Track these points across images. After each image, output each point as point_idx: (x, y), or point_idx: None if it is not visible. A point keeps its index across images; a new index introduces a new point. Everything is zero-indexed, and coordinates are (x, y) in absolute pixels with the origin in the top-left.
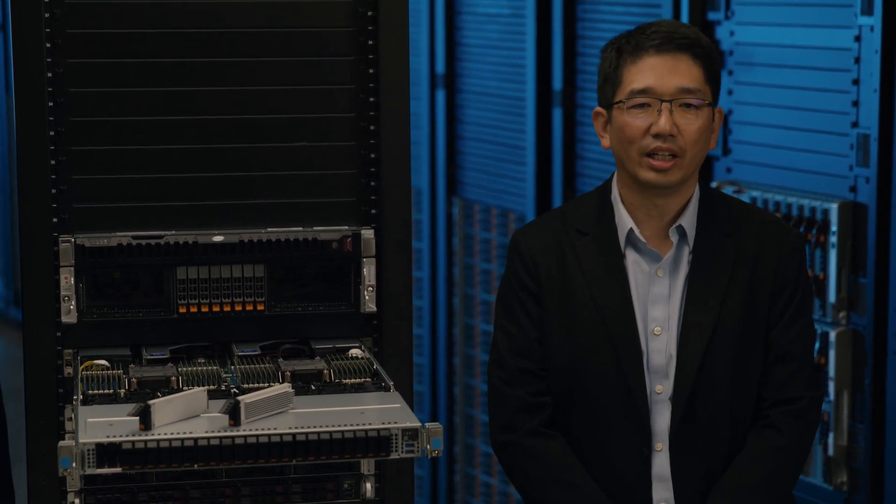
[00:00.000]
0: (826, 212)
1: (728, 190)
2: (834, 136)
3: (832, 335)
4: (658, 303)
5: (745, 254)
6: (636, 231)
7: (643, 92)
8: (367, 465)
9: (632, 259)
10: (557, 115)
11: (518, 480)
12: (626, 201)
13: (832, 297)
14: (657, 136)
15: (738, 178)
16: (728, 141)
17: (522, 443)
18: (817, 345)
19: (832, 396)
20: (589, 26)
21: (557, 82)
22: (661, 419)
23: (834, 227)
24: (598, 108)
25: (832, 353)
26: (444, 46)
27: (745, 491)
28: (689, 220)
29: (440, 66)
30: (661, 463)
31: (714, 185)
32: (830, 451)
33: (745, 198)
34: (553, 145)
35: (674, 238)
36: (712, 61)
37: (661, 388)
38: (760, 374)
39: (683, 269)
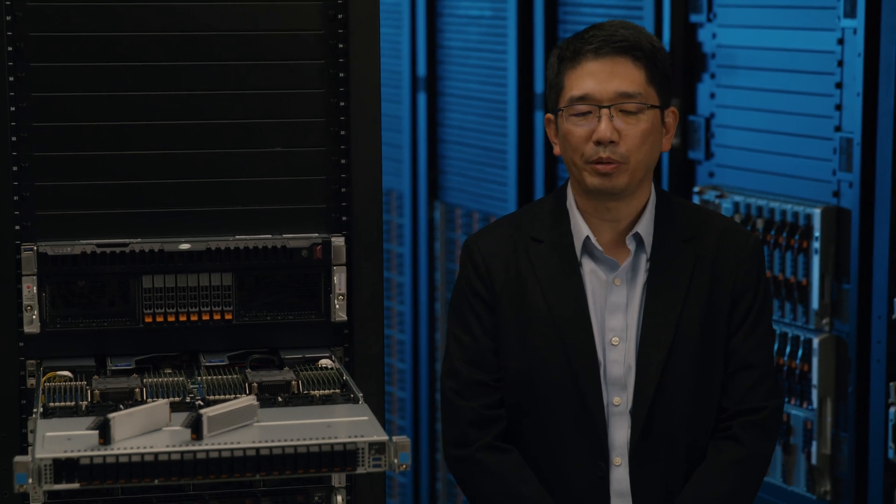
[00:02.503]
0: (809, 217)
1: (710, 195)
2: (817, 141)
3: (815, 342)
4: (616, 312)
5: (704, 260)
6: (593, 239)
7: (582, 99)
8: (337, 478)
9: (588, 268)
10: (539, 118)
11: (472, 495)
12: (580, 208)
13: (815, 303)
14: (598, 143)
15: (720, 183)
16: (710, 145)
17: (476, 457)
18: (800, 352)
19: (815, 404)
20: (571, 29)
21: (539, 85)
22: (619, 433)
23: (817, 233)
24: (549, 115)
25: (815, 361)
26: (425, 49)
27: None
28: (645, 227)
29: (421, 69)
30: (619, 478)
31: (696, 189)
32: (814, 460)
33: (727, 202)
34: (535, 149)
35: (631, 246)
36: (655, 62)
37: (618, 400)
38: (721, 383)
39: (641, 278)
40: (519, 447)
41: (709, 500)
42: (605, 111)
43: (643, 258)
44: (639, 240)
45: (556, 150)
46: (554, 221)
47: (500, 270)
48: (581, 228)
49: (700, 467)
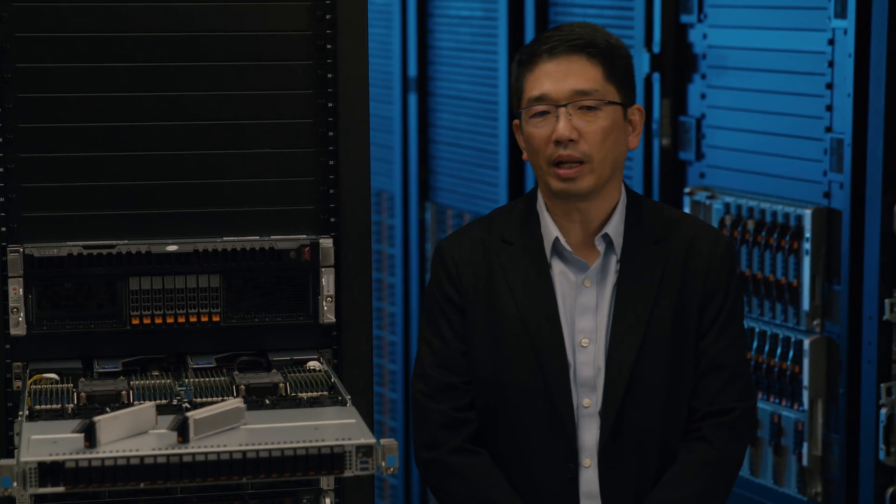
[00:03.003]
0: (800, 218)
1: (701, 196)
2: (807, 141)
3: (806, 343)
4: (585, 314)
5: (675, 261)
6: (562, 240)
7: (539, 99)
8: (326, 480)
9: (558, 269)
10: None
11: (441, 499)
12: (550, 210)
13: (806, 304)
14: (558, 142)
15: (710, 184)
16: (701, 146)
17: (446, 460)
18: (791, 353)
19: (806, 406)
20: None
21: None
22: (589, 434)
23: (807, 234)
24: (515, 121)
25: (806, 362)
26: (416, 49)
27: None
28: (615, 228)
29: (412, 70)
30: (589, 479)
31: (687, 190)
32: (804, 462)
33: (718, 203)
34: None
35: (600, 247)
36: (612, 58)
37: (588, 402)
38: (691, 385)
39: (611, 279)
40: (489, 449)
41: (679, 502)
42: (562, 110)
43: (613, 259)
44: (608, 241)
45: (525, 155)
46: (524, 224)
47: (470, 274)
48: (550, 230)
49: (670, 468)
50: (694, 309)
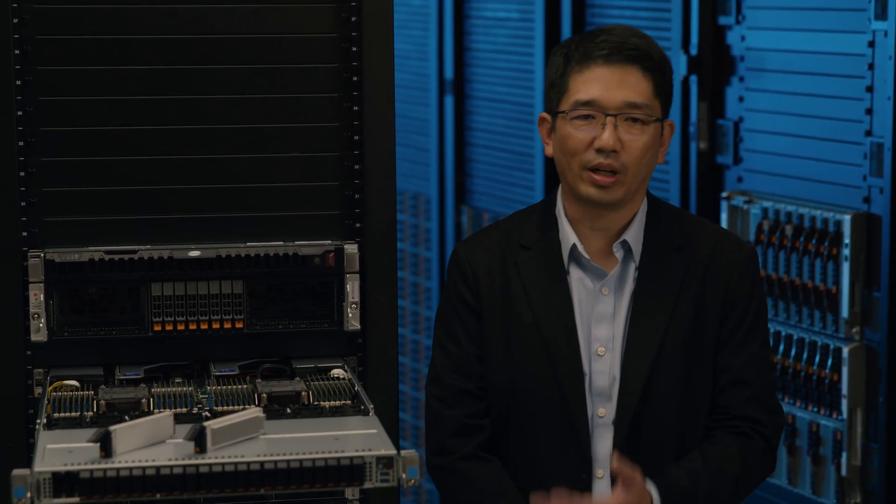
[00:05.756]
0: (839, 223)
1: (738, 200)
2: (847, 145)
3: (845, 351)
4: (602, 322)
5: (694, 269)
6: (580, 247)
7: (588, 104)
8: (350, 490)
9: (576, 276)
10: None
11: None
12: (569, 215)
13: (845, 311)
14: (600, 150)
15: (748, 188)
16: (739, 150)
17: (457, 466)
18: (829, 361)
19: (845, 415)
20: None
21: None
22: (603, 444)
23: (847, 240)
24: (543, 114)
25: (845, 370)
26: (452, 51)
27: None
28: (634, 236)
29: (449, 72)
30: (602, 490)
31: (724, 194)
32: (843, 472)
33: (756, 208)
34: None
35: (618, 254)
36: (663, 74)
37: (603, 412)
38: (709, 398)
39: (629, 287)
40: (501, 457)
41: (717, 462)
42: (609, 119)
43: (632, 267)
44: (627, 248)
45: (548, 150)
46: (542, 228)
47: (486, 278)
48: (568, 236)
49: (702, 446)
50: (714, 319)
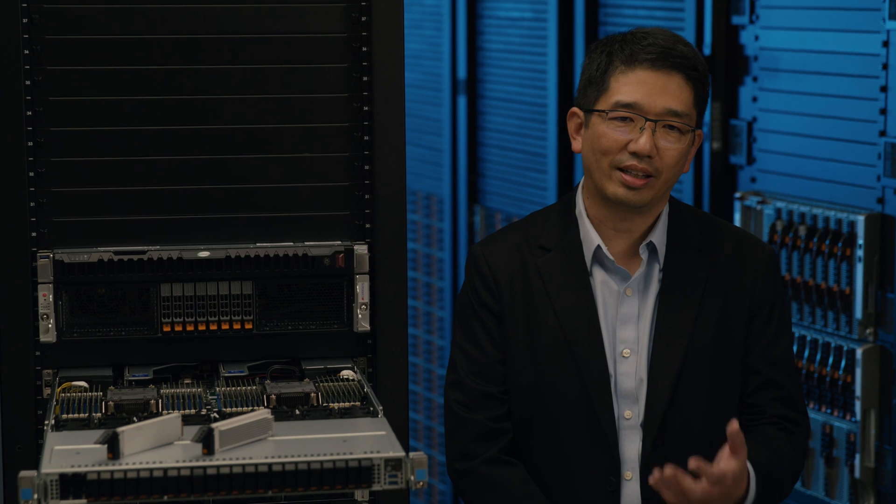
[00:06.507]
0: (852, 224)
1: (752, 201)
2: (861, 145)
3: (858, 352)
4: (627, 323)
5: (718, 269)
6: (604, 248)
7: (629, 106)
8: (360, 492)
9: (599, 277)
10: None
11: None
12: (591, 216)
13: (858, 312)
14: (634, 154)
15: (762, 189)
16: (752, 150)
17: (480, 471)
18: (843, 362)
19: (858, 416)
20: (612, 30)
21: None
22: (631, 446)
23: (860, 240)
24: (575, 109)
25: (858, 371)
26: (465, 51)
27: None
28: (659, 237)
29: (462, 72)
30: (630, 493)
31: (738, 195)
32: (857, 473)
33: (769, 209)
34: (575, 153)
35: (644, 255)
36: (703, 85)
37: (629, 414)
38: (737, 398)
39: (654, 288)
40: (524, 461)
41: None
42: (649, 124)
43: (656, 268)
44: (652, 249)
45: (576, 146)
46: (562, 229)
47: (507, 280)
48: (591, 237)
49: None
50: (741, 319)
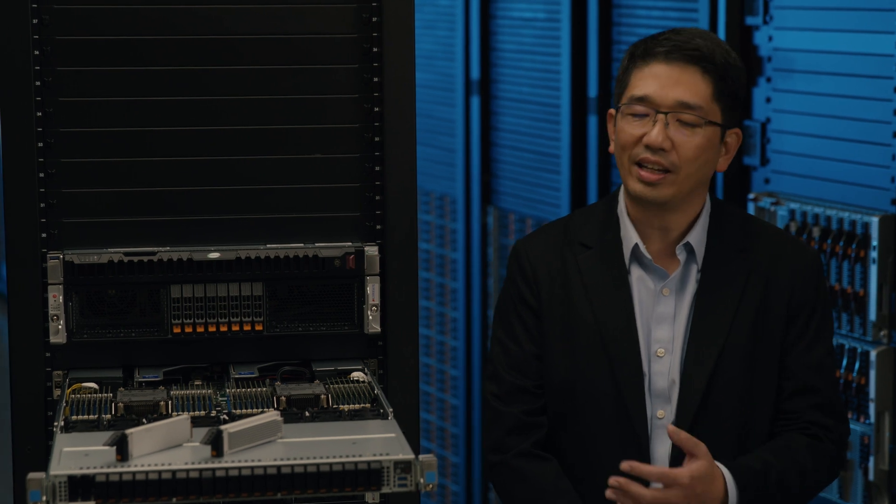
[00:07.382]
0: (866, 225)
1: (765, 202)
2: (875, 147)
3: (872, 354)
4: (663, 323)
5: (758, 272)
6: (641, 247)
7: (641, 99)
8: (371, 494)
9: (637, 276)
10: (593, 122)
11: (508, 501)
12: (630, 214)
13: (872, 314)
14: (648, 147)
15: (775, 190)
16: (766, 151)
17: (513, 464)
18: (857, 364)
19: (872, 419)
20: (625, 31)
21: (593, 89)
22: (662, 446)
23: (875, 242)
24: (612, 110)
25: (872, 374)
26: (478, 52)
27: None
28: (697, 237)
29: (475, 72)
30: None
31: (751, 196)
32: (871, 476)
33: (783, 210)
34: (588, 154)
35: (681, 256)
36: (726, 77)
37: (662, 413)
38: (771, 403)
39: (691, 288)
40: (557, 457)
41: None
42: (660, 116)
43: (694, 269)
44: (690, 249)
45: (612, 147)
46: (604, 227)
47: (547, 276)
48: (630, 235)
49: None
50: (778, 323)
